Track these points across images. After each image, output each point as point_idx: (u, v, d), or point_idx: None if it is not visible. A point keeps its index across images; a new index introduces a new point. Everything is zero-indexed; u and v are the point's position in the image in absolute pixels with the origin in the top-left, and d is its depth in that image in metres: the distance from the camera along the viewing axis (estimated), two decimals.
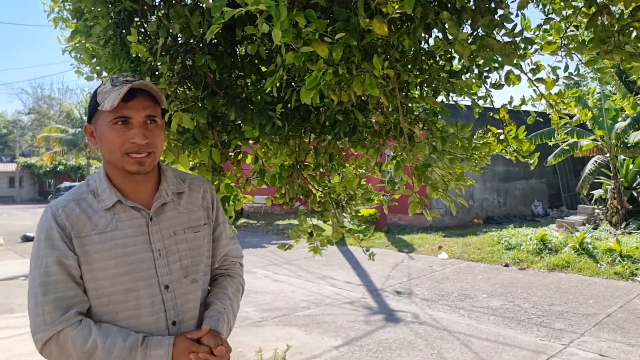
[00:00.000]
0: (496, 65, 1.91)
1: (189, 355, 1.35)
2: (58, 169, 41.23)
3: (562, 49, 2.24)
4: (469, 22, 1.74)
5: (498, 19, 1.75)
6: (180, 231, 1.52)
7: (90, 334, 1.35)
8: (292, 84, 1.96)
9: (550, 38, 2.28)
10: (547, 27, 2.30)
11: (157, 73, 2.13)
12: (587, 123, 12.19)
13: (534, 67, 2.21)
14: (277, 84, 1.94)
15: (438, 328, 6.24)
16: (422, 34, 1.61)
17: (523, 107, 2.52)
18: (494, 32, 1.97)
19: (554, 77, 2.23)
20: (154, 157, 1.47)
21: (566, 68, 2.20)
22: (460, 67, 2.10)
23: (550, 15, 2.17)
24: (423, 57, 2.07)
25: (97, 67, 2.41)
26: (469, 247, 11.00)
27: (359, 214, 2.70)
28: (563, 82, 2.25)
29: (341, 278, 9.17)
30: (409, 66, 2.04)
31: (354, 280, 9.03)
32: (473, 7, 1.69)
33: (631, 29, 1.68)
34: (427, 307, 7.19)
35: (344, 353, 5.48)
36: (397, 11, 1.41)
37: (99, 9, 2.10)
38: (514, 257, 9.82)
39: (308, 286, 8.63)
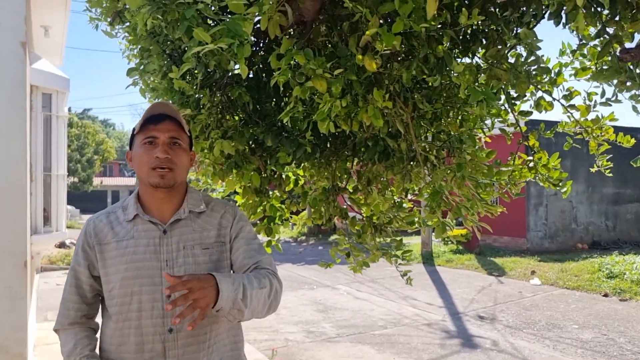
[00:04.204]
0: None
1: None
2: None
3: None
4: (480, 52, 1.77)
5: (506, 48, 1.75)
6: (189, 246, 1.66)
7: (65, 343, 1.66)
8: (311, 115, 2.09)
9: (588, 63, 2.21)
10: (586, 52, 2.23)
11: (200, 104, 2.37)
12: None
13: (567, 93, 2.16)
14: (300, 115, 2.09)
15: (517, 357, 5.96)
16: (421, 67, 1.66)
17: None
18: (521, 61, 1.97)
19: (590, 103, 2.15)
20: (175, 174, 1.65)
21: (603, 94, 2.12)
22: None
23: (584, 41, 2.11)
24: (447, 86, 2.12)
25: (158, 99, 2.70)
26: (565, 274, 10.31)
27: (398, 237, 2.74)
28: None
29: (423, 299, 9.02)
30: (432, 97, 2.10)
31: (436, 302, 8.85)
32: (481, 38, 1.72)
33: None
34: (510, 334, 6.88)
35: None
36: (386, 48, 1.49)
37: (154, 48, 2.38)
38: (616, 286, 9.06)
39: (388, 305, 8.60)
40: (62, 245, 14.49)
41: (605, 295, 8.87)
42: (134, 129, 1.72)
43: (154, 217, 1.67)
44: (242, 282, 1.52)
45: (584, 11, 1.64)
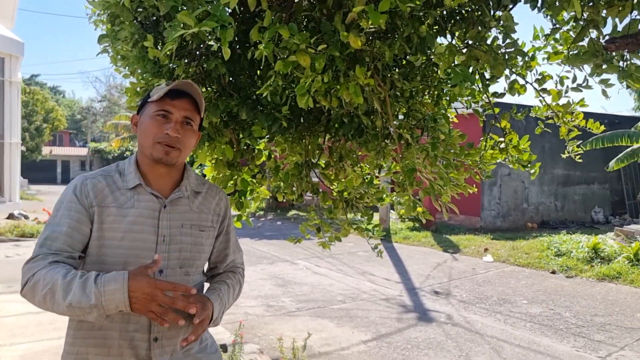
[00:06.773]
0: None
1: (149, 291, 1.35)
2: (125, 154, 43.39)
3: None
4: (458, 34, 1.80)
5: (486, 30, 1.79)
6: (187, 225, 1.65)
7: (56, 273, 1.39)
8: (287, 90, 2.08)
9: (560, 48, 2.28)
10: (558, 36, 2.29)
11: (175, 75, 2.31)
12: None
13: (540, 77, 2.22)
14: (279, 89, 2.07)
15: (470, 331, 6.20)
16: (404, 46, 1.68)
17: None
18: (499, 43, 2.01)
19: (562, 88, 2.22)
20: (179, 153, 1.63)
21: (574, 79, 2.19)
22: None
23: (557, 25, 2.17)
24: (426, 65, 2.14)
25: (128, 68, 2.61)
26: (516, 251, 10.74)
27: (368, 212, 2.78)
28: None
29: (381, 275, 9.23)
30: (409, 75, 2.12)
31: (394, 277, 9.07)
32: (460, 19, 1.74)
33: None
34: (463, 309, 7.14)
35: (371, 348, 5.58)
36: (371, 26, 1.50)
37: (125, 15, 2.30)
38: (563, 264, 9.52)
39: (347, 280, 8.75)
40: (11, 216, 13.97)
41: (553, 272, 9.31)
42: (148, 94, 1.68)
43: (155, 190, 1.64)
44: (226, 302, 1.70)
45: None
